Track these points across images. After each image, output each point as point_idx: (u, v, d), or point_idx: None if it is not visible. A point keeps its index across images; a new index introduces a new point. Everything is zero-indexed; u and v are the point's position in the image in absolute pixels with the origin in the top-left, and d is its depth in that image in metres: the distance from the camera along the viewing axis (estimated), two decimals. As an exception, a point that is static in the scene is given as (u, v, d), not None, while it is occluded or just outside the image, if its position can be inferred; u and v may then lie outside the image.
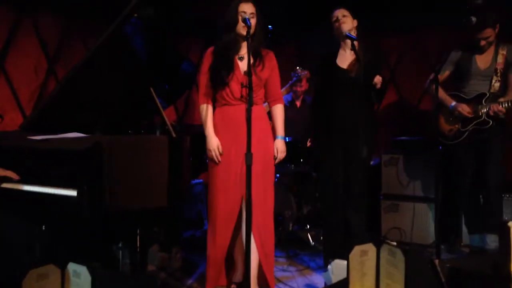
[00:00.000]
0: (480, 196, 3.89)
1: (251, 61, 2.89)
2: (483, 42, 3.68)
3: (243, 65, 2.97)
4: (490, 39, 3.68)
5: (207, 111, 3.03)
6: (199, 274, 3.61)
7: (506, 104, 3.57)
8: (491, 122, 3.65)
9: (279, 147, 3.07)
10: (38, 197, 2.69)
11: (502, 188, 3.80)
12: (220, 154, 2.97)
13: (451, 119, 3.80)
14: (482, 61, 3.75)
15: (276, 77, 3.11)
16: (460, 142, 3.76)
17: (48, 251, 2.77)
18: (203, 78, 3.04)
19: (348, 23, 3.49)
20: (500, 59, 3.68)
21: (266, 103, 3.19)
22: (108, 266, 3.08)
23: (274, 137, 3.10)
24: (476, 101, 3.71)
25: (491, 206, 3.74)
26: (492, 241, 3.70)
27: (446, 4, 4.67)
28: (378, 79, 3.36)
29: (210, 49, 3.04)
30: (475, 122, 3.71)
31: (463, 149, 3.79)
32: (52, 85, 4.40)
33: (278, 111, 3.13)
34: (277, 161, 3.07)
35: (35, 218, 2.79)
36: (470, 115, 3.71)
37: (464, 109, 3.72)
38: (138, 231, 2.86)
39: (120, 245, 3.10)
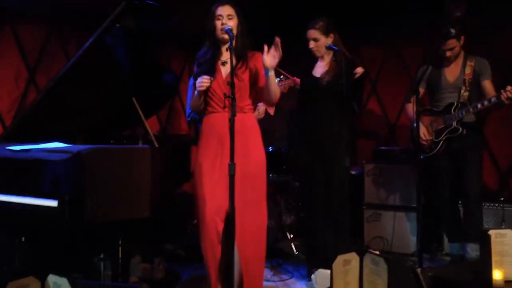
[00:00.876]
0: (460, 205, 3.94)
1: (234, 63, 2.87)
2: (448, 53, 3.75)
3: (225, 70, 2.93)
4: (455, 50, 3.74)
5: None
6: (182, 285, 3.58)
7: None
8: (460, 129, 3.69)
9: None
10: (18, 208, 2.66)
11: (481, 197, 3.84)
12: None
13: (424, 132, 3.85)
14: (450, 73, 3.82)
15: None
16: (436, 153, 3.79)
17: (28, 262, 2.73)
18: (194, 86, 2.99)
19: (320, 46, 3.53)
20: (468, 70, 3.74)
21: (258, 106, 3.11)
22: (89, 278, 3.04)
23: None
24: (446, 111, 3.77)
25: (471, 216, 3.77)
26: (472, 250, 3.73)
27: (426, 16, 4.74)
28: (359, 69, 3.44)
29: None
30: (447, 131, 3.75)
31: (441, 159, 3.82)
32: (33, 95, 4.36)
33: None
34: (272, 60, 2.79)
35: (15, 229, 2.75)
36: (426, 143, 3.78)
37: (425, 135, 3.81)
38: (120, 242, 2.83)
39: (101, 256, 3.06)
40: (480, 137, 3.88)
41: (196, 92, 2.90)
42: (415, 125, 3.38)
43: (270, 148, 4.50)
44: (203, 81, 2.81)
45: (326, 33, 3.52)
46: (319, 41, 3.53)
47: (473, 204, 3.75)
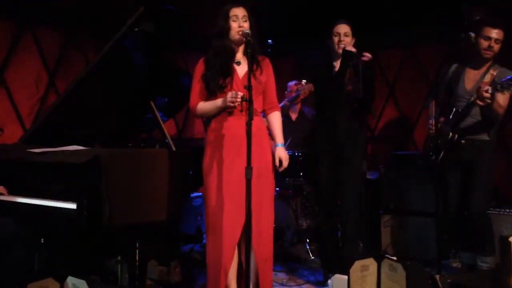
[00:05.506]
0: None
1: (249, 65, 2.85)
2: (487, 53, 3.42)
3: (241, 70, 2.92)
4: (496, 48, 3.40)
5: (203, 103, 2.92)
6: (198, 289, 3.60)
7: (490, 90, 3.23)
8: (456, 136, 3.44)
9: (282, 155, 2.99)
10: (37, 210, 2.69)
11: (486, 212, 3.61)
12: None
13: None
14: (470, 80, 3.54)
15: (273, 84, 3.06)
16: (444, 162, 3.51)
17: (47, 264, 2.76)
18: (196, 86, 2.95)
19: (348, 42, 3.51)
20: (487, 78, 3.44)
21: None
22: (107, 280, 3.06)
23: (274, 145, 3.05)
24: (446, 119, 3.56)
25: (478, 230, 3.56)
26: (483, 262, 3.54)
27: (444, 19, 4.70)
28: (367, 55, 3.35)
29: (202, 58, 2.98)
30: (443, 139, 3.50)
31: (451, 169, 3.58)
32: (53, 99, 4.41)
33: (276, 118, 3.08)
34: (282, 169, 3.00)
35: (34, 231, 2.78)
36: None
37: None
38: (137, 245, 2.84)
39: (119, 258, 3.08)
40: (490, 151, 3.54)
41: (221, 104, 2.85)
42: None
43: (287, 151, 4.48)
44: (237, 98, 2.77)
45: (353, 33, 3.52)
46: (348, 36, 3.52)
47: (477, 220, 3.53)
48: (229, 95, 2.78)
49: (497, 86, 3.19)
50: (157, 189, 2.90)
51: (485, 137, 3.53)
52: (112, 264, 3.11)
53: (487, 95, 3.23)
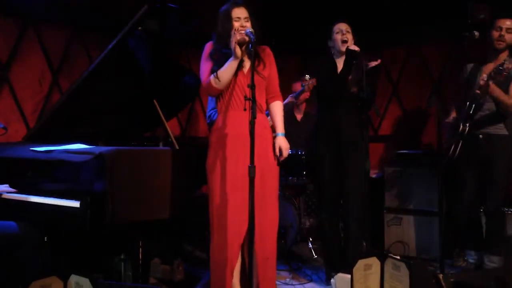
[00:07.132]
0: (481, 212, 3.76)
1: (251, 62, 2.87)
2: (496, 34, 3.43)
3: (245, 67, 2.94)
4: (506, 37, 3.41)
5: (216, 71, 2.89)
6: (201, 287, 3.59)
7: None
8: (467, 128, 3.43)
9: (283, 145, 2.99)
10: (41, 208, 2.70)
11: (502, 210, 3.64)
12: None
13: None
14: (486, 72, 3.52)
15: (274, 73, 3.06)
16: (458, 159, 3.54)
17: (51, 262, 2.76)
18: (207, 65, 2.93)
19: (351, 39, 3.51)
20: None
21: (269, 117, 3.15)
22: (110, 278, 3.07)
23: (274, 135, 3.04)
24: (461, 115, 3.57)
25: (490, 228, 3.60)
26: (490, 261, 3.58)
27: (447, 17, 4.69)
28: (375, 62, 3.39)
29: (210, 43, 2.98)
30: (457, 133, 3.51)
31: (465, 167, 3.64)
32: (56, 97, 4.42)
33: (278, 107, 3.08)
34: (282, 158, 3.00)
35: (38, 229, 2.79)
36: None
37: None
38: (140, 243, 2.85)
39: (122, 256, 3.09)
40: (508, 146, 3.54)
41: (233, 58, 2.81)
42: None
43: (290, 151, 4.47)
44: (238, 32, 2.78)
45: (353, 33, 3.53)
46: (350, 33, 3.52)
47: (492, 217, 3.58)
48: (234, 43, 2.78)
49: (490, 73, 3.21)
50: (160, 188, 2.90)
51: (502, 131, 3.54)
52: (116, 262, 3.12)
53: (483, 82, 3.27)
